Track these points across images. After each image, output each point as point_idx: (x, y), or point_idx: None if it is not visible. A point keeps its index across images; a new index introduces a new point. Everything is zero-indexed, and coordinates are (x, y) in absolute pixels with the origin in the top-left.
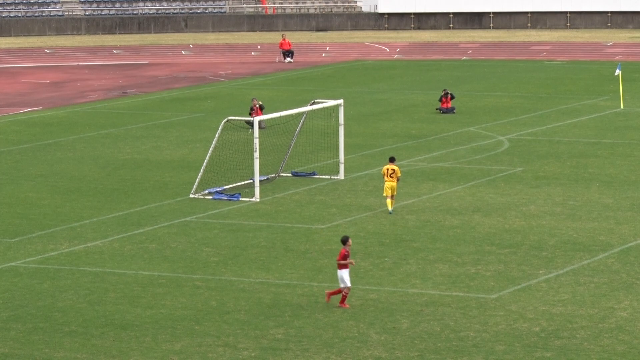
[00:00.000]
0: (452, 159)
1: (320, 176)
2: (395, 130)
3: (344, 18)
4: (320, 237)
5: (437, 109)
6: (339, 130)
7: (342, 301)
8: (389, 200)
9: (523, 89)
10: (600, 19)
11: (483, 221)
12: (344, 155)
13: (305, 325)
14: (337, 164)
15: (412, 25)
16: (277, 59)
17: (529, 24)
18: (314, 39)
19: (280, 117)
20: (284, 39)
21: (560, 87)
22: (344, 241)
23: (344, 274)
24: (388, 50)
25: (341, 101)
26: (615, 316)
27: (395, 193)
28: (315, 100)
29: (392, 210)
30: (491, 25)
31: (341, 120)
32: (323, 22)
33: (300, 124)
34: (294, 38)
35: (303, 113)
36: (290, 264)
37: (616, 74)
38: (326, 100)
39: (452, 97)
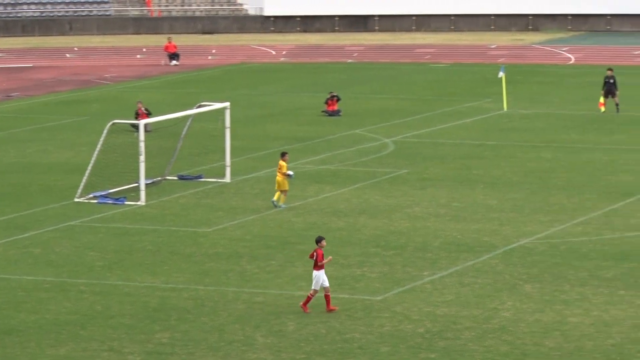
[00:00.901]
0: (338, 161)
1: (207, 179)
2: (281, 133)
3: (230, 21)
4: (206, 240)
5: (323, 112)
6: (225, 133)
7: (305, 303)
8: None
9: (408, 92)
10: (484, 22)
11: (368, 223)
12: (231, 158)
13: (191, 329)
14: (224, 167)
15: (298, 28)
16: (163, 61)
17: (413, 27)
18: (200, 42)
19: (166, 120)
20: (169, 42)
21: (445, 89)
22: (318, 241)
23: (322, 275)
24: (274, 53)
25: (227, 104)
26: (499, 317)
27: (282, 188)
28: (202, 103)
29: (276, 204)
30: (376, 28)
31: (227, 123)
32: (209, 24)
33: (186, 127)
34: (180, 41)
35: (189, 116)
36: (176, 268)
37: (499, 76)
38: (212, 103)
39: (338, 100)
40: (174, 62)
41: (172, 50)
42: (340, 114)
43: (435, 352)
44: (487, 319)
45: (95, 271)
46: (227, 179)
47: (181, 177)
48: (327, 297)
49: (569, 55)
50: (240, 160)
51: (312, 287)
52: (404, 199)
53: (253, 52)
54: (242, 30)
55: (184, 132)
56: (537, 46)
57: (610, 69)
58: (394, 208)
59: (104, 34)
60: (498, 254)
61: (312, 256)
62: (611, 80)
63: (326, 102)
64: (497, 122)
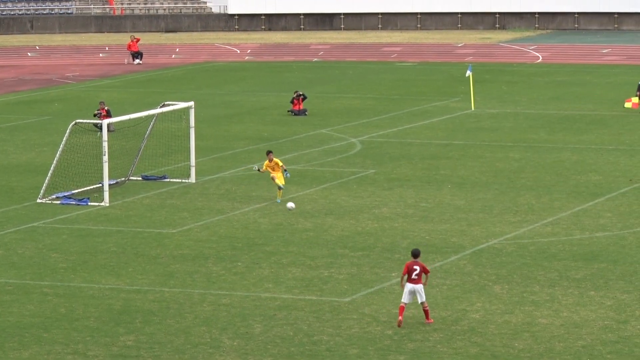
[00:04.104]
0: (304, 161)
1: (171, 180)
2: (247, 133)
3: (194, 19)
4: (171, 241)
5: (288, 111)
6: (189, 133)
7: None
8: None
9: (374, 91)
10: (451, 20)
11: (336, 224)
12: (195, 159)
13: (156, 332)
14: (188, 167)
15: (263, 27)
16: (125, 60)
17: (379, 25)
18: (163, 40)
19: (130, 119)
20: (132, 40)
21: (412, 88)
22: (418, 254)
23: (419, 288)
24: (239, 51)
25: (192, 103)
26: (468, 318)
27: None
28: (165, 103)
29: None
30: (342, 26)
31: (192, 122)
32: (172, 23)
33: (150, 127)
34: (143, 39)
35: (153, 115)
36: (140, 270)
37: (467, 75)
38: (176, 103)
39: (304, 99)
40: (137, 61)
41: (135, 49)
42: (307, 113)
43: (404, 354)
44: (455, 320)
45: (59, 273)
46: (192, 179)
47: (145, 178)
48: (425, 311)
49: (537, 54)
50: (205, 160)
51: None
52: (371, 199)
53: (217, 51)
54: (206, 28)
55: (147, 132)
56: (504, 45)
57: None
58: (362, 208)
59: (66, 33)
60: (466, 255)
61: (410, 271)
62: None
63: (292, 102)
64: (464, 121)
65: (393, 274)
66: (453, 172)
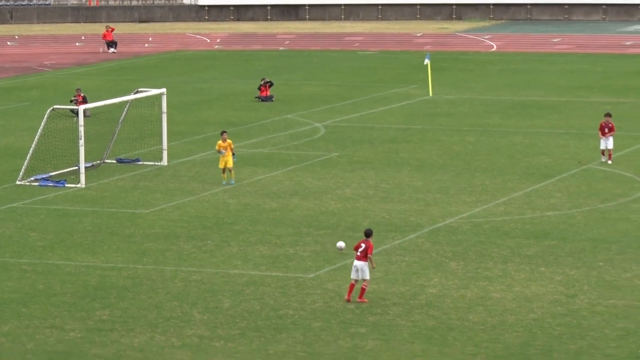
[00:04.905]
0: (271, 145)
1: (144, 162)
2: (216, 118)
3: (166, 10)
4: (144, 221)
5: (256, 98)
6: (161, 118)
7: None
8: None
9: (338, 78)
10: (410, 11)
11: (301, 204)
12: (167, 142)
13: (130, 307)
14: (161, 151)
15: (232, 17)
16: (101, 49)
17: (342, 16)
18: (137, 30)
19: (105, 105)
20: (107, 30)
21: (373, 76)
22: (369, 234)
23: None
24: (209, 40)
25: (164, 90)
26: (426, 293)
27: (229, 166)
28: (139, 90)
29: (231, 184)
30: (307, 17)
31: (164, 108)
32: (145, 13)
33: (124, 112)
34: (118, 29)
35: (127, 102)
36: (115, 248)
37: (425, 63)
38: (149, 90)
39: (271, 86)
40: (112, 49)
41: (110, 39)
42: (273, 99)
43: (365, 327)
44: (414, 295)
45: (37, 251)
46: (164, 162)
47: (119, 161)
48: (352, 286)
49: (491, 43)
50: (177, 144)
51: (368, 278)
52: (334, 181)
53: (188, 40)
54: (177, 19)
55: (121, 117)
56: (460, 34)
57: None
58: (325, 190)
59: (44, 23)
60: (424, 233)
61: (358, 247)
62: None
63: (259, 88)
64: (422, 107)
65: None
66: (412, 155)
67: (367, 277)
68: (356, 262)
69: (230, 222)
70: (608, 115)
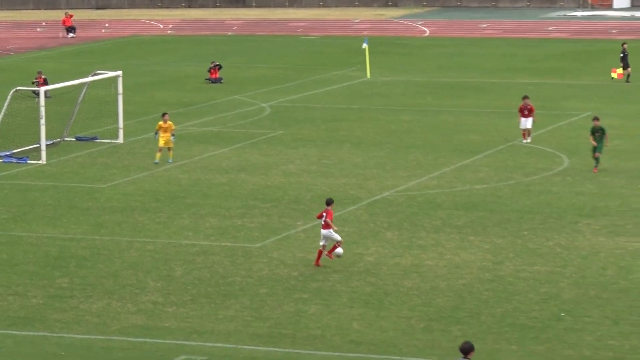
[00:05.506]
0: (220, 124)
1: (102, 140)
2: (169, 99)
3: None
4: (102, 195)
5: (206, 79)
6: (117, 99)
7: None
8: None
9: (282, 61)
10: None
11: (248, 179)
12: (123, 121)
13: (88, 275)
14: (117, 129)
15: (183, 4)
16: (60, 34)
17: (287, 3)
18: (94, 17)
19: (64, 87)
20: (66, 16)
21: (315, 59)
22: (330, 202)
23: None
24: (162, 26)
25: (120, 72)
26: (364, 261)
27: (169, 145)
28: (96, 72)
29: (170, 161)
30: (253, 4)
31: (120, 89)
32: (102, 0)
33: (82, 93)
34: (76, 15)
35: (85, 83)
36: (74, 220)
37: (363, 47)
38: (106, 72)
39: (220, 68)
40: (71, 34)
41: (69, 24)
42: (222, 81)
43: (308, 293)
44: (353, 263)
45: (1, 223)
46: (120, 140)
47: (78, 139)
48: (320, 252)
49: (424, 29)
50: (132, 123)
51: (339, 239)
52: (279, 157)
53: (142, 26)
54: (132, 5)
55: (80, 98)
56: (396, 20)
57: (624, 43)
58: (271, 165)
59: (7, 10)
60: (363, 205)
61: (320, 216)
62: (626, 53)
63: (209, 71)
64: (360, 88)
65: (298, 223)
66: (351, 133)
67: (338, 238)
68: (322, 231)
69: (182, 196)
70: (526, 97)
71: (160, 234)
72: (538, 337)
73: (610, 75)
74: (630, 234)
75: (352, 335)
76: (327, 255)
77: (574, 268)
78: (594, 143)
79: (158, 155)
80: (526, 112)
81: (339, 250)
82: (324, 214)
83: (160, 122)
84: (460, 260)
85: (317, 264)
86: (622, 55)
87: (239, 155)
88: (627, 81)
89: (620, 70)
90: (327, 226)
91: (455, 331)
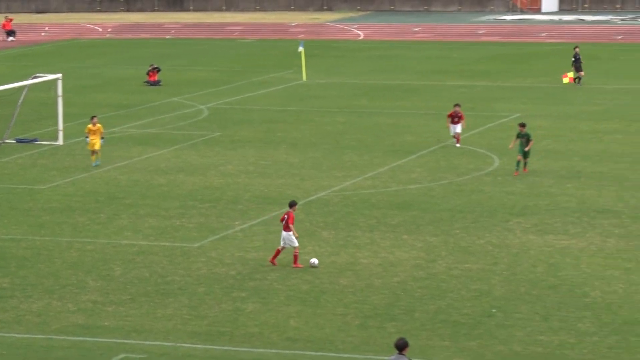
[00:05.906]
0: (158, 125)
1: (42, 142)
2: (108, 101)
3: (61, 1)
4: (42, 196)
5: (145, 82)
6: (57, 102)
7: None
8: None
9: (220, 64)
10: (285, 2)
11: (186, 180)
12: (63, 123)
13: (29, 275)
14: (57, 131)
15: (122, 8)
16: (0, 38)
17: (224, 7)
18: (34, 20)
19: (4, 89)
20: (6, 20)
21: (252, 62)
22: (292, 205)
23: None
24: (101, 30)
25: (59, 75)
26: (301, 260)
27: (95, 148)
28: (36, 75)
29: (96, 164)
30: (191, 8)
31: (59, 92)
32: (42, 5)
33: (22, 96)
34: (16, 19)
35: (25, 86)
36: (15, 221)
37: (299, 50)
38: (46, 75)
39: (158, 71)
40: (11, 38)
41: (9, 28)
42: (161, 83)
43: (246, 291)
44: (290, 262)
45: None
46: (60, 142)
47: (18, 141)
48: (278, 251)
49: (359, 32)
50: (72, 125)
51: (296, 246)
52: (217, 158)
53: (82, 30)
54: (71, 10)
55: (20, 101)
56: (331, 24)
57: (577, 47)
58: (209, 166)
59: None
60: (299, 206)
61: (282, 219)
62: (578, 57)
63: (147, 74)
64: (297, 90)
65: (236, 223)
66: (288, 134)
67: (295, 244)
68: (283, 233)
69: (122, 197)
70: (457, 105)
71: (100, 234)
72: (470, 333)
73: (562, 80)
74: (558, 232)
75: (289, 333)
76: (294, 266)
77: (504, 265)
78: (511, 146)
79: (93, 157)
80: (456, 119)
81: (314, 260)
82: (286, 216)
83: (90, 125)
84: (394, 259)
85: (272, 262)
86: (574, 59)
87: (177, 156)
88: (578, 83)
89: (571, 74)
90: (287, 228)
91: (389, 328)
